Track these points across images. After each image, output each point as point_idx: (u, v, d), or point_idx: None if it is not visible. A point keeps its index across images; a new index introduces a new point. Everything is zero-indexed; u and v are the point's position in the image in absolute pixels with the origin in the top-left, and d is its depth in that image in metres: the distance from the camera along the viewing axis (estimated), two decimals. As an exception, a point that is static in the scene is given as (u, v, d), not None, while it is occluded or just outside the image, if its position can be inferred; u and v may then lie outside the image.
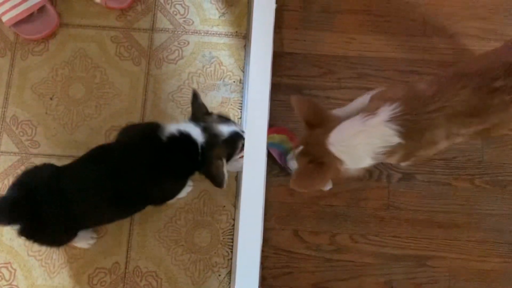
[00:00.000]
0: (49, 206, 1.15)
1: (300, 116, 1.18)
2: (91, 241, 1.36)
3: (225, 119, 1.28)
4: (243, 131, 1.27)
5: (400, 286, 1.39)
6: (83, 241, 1.35)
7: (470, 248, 1.41)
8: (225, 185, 1.21)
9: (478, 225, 1.43)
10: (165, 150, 1.21)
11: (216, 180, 1.21)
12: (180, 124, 1.26)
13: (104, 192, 1.18)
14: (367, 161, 1.14)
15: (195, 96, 1.29)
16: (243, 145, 1.24)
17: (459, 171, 1.46)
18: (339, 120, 1.16)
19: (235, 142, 1.25)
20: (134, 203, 1.26)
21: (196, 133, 1.24)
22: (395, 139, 1.09)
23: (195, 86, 1.50)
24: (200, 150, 1.23)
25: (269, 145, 1.37)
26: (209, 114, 1.29)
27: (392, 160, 1.20)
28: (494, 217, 1.43)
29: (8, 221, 1.15)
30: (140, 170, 1.20)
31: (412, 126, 1.09)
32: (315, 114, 1.17)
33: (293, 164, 1.36)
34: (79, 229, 1.27)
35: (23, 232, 1.16)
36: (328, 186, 1.39)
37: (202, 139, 1.23)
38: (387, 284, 1.39)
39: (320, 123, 1.17)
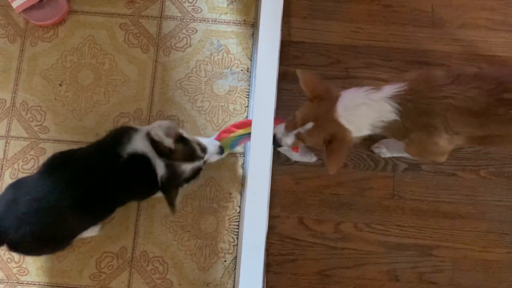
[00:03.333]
0: (14, 227, 1.15)
1: (306, 88, 1.20)
2: (97, 228, 1.38)
3: (190, 154, 1.25)
4: (203, 150, 1.27)
5: (404, 275, 1.40)
6: (89, 231, 1.36)
7: (474, 238, 1.42)
8: (175, 212, 1.31)
9: (482, 215, 1.43)
10: (123, 167, 1.21)
11: (171, 205, 1.24)
12: (146, 143, 1.22)
13: (66, 200, 1.17)
14: (365, 131, 1.19)
15: (181, 138, 1.25)
16: (201, 169, 1.29)
17: (465, 162, 1.46)
18: (340, 90, 1.20)
19: (195, 174, 1.27)
20: (101, 208, 1.27)
21: (158, 165, 1.22)
22: (392, 116, 1.14)
23: (202, 74, 1.51)
24: (159, 180, 1.23)
25: (243, 136, 1.35)
26: (171, 150, 1.22)
27: (389, 135, 1.22)
28: (499, 208, 1.44)
29: None
30: (100, 181, 1.21)
31: (410, 106, 1.13)
32: (319, 87, 1.20)
33: (289, 141, 1.28)
34: (57, 243, 1.26)
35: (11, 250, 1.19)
36: (311, 158, 1.43)
37: (163, 173, 1.22)
38: (391, 273, 1.40)
39: (324, 95, 1.19)
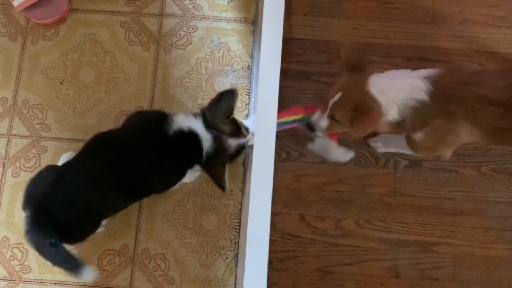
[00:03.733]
0: (61, 209, 1.15)
1: (345, 60, 1.23)
2: (104, 222, 1.38)
3: (236, 130, 1.26)
4: (246, 130, 1.28)
5: (405, 272, 1.40)
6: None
7: (475, 235, 1.42)
8: (226, 189, 1.29)
9: (484, 212, 1.43)
10: (170, 145, 1.22)
11: (220, 183, 1.26)
12: (190, 119, 1.25)
13: (110, 182, 1.19)
14: (393, 110, 1.17)
15: (232, 96, 1.23)
16: (244, 152, 1.30)
17: (466, 159, 1.46)
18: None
19: (238, 153, 1.28)
20: (137, 192, 1.27)
21: (205, 138, 1.23)
22: (423, 95, 1.14)
23: (203, 72, 1.51)
24: (204, 154, 1.24)
25: (285, 124, 1.33)
26: (227, 117, 1.25)
27: (410, 122, 1.19)
28: (500, 205, 1.44)
29: (43, 238, 1.14)
30: (143, 161, 1.21)
31: (440, 90, 1.14)
32: (359, 60, 1.22)
33: (322, 123, 1.26)
34: (96, 222, 1.27)
35: (60, 240, 1.16)
36: (349, 156, 1.39)
37: (209, 147, 1.23)
38: (392, 269, 1.41)
39: (360, 68, 1.21)
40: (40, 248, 1.14)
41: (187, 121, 1.24)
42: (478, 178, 1.45)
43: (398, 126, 1.21)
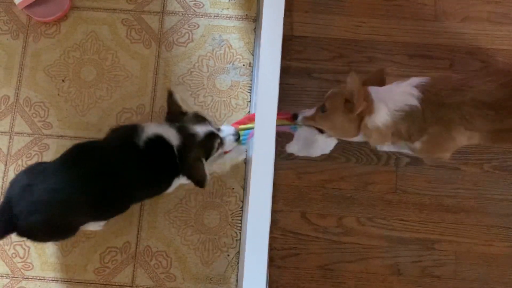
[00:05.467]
0: (25, 213, 1.15)
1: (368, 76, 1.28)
2: (102, 223, 1.39)
3: (200, 119, 1.27)
4: (218, 130, 1.28)
5: (406, 269, 1.40)
6: (94, 225, 1.37)
7: (477, 232, 1.42)
8: (206, 185, 1.23)
9: (485, 209, 1.43)
10: (143, 155, 1.21)
11: (198, 181, 1.22)
12: (156, 125, 1.25)
13: (85, 192, 1.18)
14: (384, 114, 1.19)
15: (170, 95, 1.27)
16: (219, 145, 1.26)
17: (468, 156, 1.46)
18: None
19: (211, 142, 1.25)
20: (118, 203, 1.27)
21: (171, 134, 1.22)
22: (413, 101, 1.17)
23: (204, 69, 1.51)
24: (176, 153, 1.22)
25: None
26: (184, 113, 1.28)
27: (405, 130, 1.21)
28: (502, 202, 1.44)
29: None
30: (121, 175, 1.21)
31: (431, 97, 1.17)
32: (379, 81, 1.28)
33: (308, 113, 1.32)
34: (66, 229, 1.27)
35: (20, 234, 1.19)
36: (332, 143, 1.40)
37: (178, 140, 1.22)
38: (394, 267, 1.41)
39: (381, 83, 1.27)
40: None
41: (153, 128, 1.23)
42: (480, 176, 1.45)
43: (394, 135, 1.22)
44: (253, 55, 1.52)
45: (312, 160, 1.45)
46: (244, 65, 1.51)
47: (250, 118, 1.35)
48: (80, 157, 1.23)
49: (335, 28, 1.55)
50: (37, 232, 1.21)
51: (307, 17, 1.56)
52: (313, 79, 1.52)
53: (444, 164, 1.45)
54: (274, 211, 1.43)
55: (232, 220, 1.42)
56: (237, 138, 1.30)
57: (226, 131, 1.29)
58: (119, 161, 1.21)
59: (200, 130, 1.24)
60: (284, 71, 1.51)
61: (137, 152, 1.21)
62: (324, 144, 1.36)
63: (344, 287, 1.40)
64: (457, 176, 1.45)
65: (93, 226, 1.38)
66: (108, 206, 1.25)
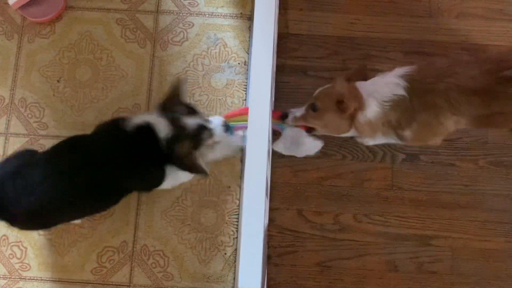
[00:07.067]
0: (13, 199, 1.15)
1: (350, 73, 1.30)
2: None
3: (192, 111, 1.25)
4: (207, 121, 1.26)
5: (403, 265, 1.41)
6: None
7: (473, 228, 1.43)
8: (208, 172, 1.22)
9: (481, 205, 1.44)
10: (130, 141, 1.20)
11: (198, 171, 1.21)
12: (146, 114, 1.24)
13: (77, 181, 1.18)
14: (374, 107, 1.21)
15: (178, 84, 1.25)
16: (208, 136, 1.25)
17: (463, 152, 1.47)
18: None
19: (200, 135, 1.24)
20: (110, 193, 1.25)
21: (161, 124, 1.20)
22: (401, 91, 1.19)
23: (200, 68, 1.51)
24: (165, 142, 1.20)
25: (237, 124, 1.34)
26: (180, 104, 1.25)
27: (395, 119, 1.22)
28: (497, 198, 1.44)
29: None
30: (110, 163, 1.20)
31: (417, 85, 1.19)
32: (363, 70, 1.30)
33: (297, 112, 1.33)
34: (56, 222, 1.28)
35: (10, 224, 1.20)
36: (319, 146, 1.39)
37: (168, 131, 1.20)
38: (390, 263, 1.41)
39: (364, 77, 1.29)
40: None
41: (142, 116, 1.22)
42: (476, 171, 1.46)
43: (385, 125, 1.24)
44: (248, 54, 1.52)
45: (308, 157, 1.46)
46: (239, 63, 1.51)
47: (241, 112, 1.33)
48: (70, 148, 1.23)
49: (330, 26, 1.55)
50: (25, 219, 1.19)
51: (302, 15, 1.56)
52: (308, 76, 1.52)
53: (439, 160, 1.46)
54: (271, 209, 1.44)
55: (229, 218, 1.42)
56: (227, 128, 1.28)
57: (215, 121, 1.27)
58: (106, 151, 1.20)
59: (191, 122, 1.22)
60: (280, 69, 1.51)
61: (124, 140, 1.20)
62: (310, 146, 1.36)
63: (341, 284, 1.40)
64: (452, 172, 1.46)
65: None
66: (97, 197, 1.23)
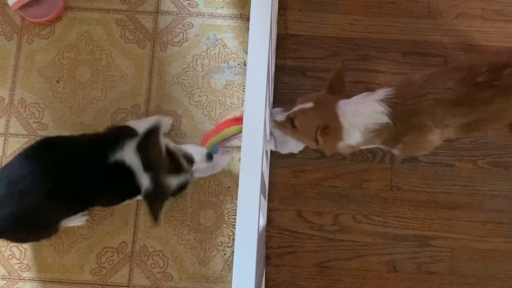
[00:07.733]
0: None
1: (331, 79, 1.25)
2: (84, 218, 1.39)
3: (176, 166, 1.23)
4: (190, 160, 1.25)
5: (402, 266, 1.41)
6: (75, 221, 1.37)
7: (472, 228, 1.43)
8: (160, 221, 1.25)
9: (480, 205, 1.44)
10: (108, 171, 1.20)
11: (155, 217, 1.22)
12: (133, 154, 1.21)
13: (43, 186, 1.17)
14: (357, 136, 1.20)
15: (153, 134, 1.20)
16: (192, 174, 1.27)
17: (462, 153, 1.47)
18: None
19: (181, 190, 1.26)
20: (74, 201, 1.25)
21: (143, 178, 1.20)
22: (384, 118, 1.18)
23: (199, 68, 1.51)
24: (143, 192, 1.21)
25: (219, 143, 1.33)
26: (160, 155, 1.21)
27: (380, 142, 1.23)
28: (496, 198, 1.44)
29: None
30: (83, 173, 1.20)
31: (400, 109, 1.17)
32: (340, 83, 1.25)
33: (279, 117, 1.29)
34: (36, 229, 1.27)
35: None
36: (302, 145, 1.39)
37: (149, 186, 1.20)
38: (390, 264, 1.41)
39: (340, 92, 1.24)
40: None
41: (131, 157, 1.20)
42: (475, 172, 1.46)
43: (368, 144, 1.25)
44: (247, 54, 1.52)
45: (307, 158, 1.46)
46: (238, 64, 1.52)
47: (217, 130, 1.32)
48: (43, 150, 1.22)
49: (329, 26, 1.55)
50: (10, 230, 1.20)
51: (301, 15, 1.56)
52: (307, 77, 1.52)
53: (438, 161, 1.46)
54: (269, 210, 1.44)
55: (228, 219, 1.42)
56: (209, 157, 1.28)
57: (198, 159, 1.26)
58: (85, 161, 1.20)
59: (174, 181, 1.22)
60: (279, 70, 1.51)
61: (103, 165, 1.19)
62: (294, 146, 1.36)
63: (340, 284, 1.40)
64: (451, 173, 1.46)
65: (75, 222, 1.37)
66: (67, 202, 1.23)
